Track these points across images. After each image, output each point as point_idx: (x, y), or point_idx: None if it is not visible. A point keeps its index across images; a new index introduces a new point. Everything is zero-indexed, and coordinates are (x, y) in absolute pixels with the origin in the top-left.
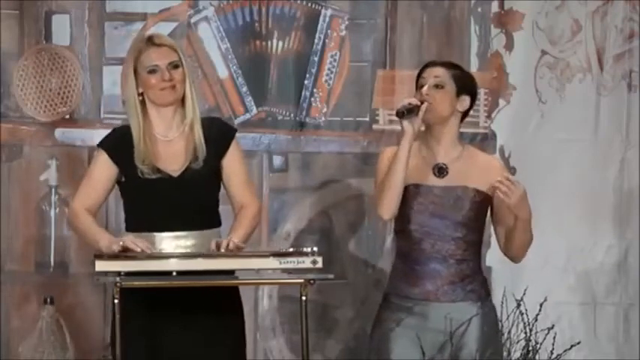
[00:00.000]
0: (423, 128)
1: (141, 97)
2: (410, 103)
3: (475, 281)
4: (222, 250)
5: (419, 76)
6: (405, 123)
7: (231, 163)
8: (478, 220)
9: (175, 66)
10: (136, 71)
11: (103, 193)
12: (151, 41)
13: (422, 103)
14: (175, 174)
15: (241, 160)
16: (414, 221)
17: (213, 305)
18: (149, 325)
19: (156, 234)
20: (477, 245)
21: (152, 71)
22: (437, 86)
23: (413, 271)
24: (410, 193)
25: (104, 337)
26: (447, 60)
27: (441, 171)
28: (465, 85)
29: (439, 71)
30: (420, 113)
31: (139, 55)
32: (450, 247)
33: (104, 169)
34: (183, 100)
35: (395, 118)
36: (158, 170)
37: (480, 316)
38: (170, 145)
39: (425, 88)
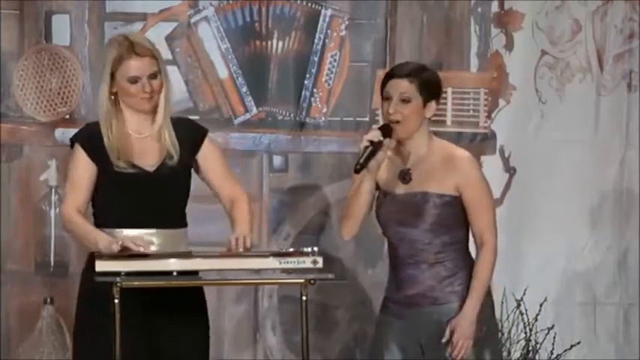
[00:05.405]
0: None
1: (113, 97)
2: (371, 142)
3: (456, 281)
4: (241, 249)
5: (383, 86)
6: (370, 164)
7: (208, 158)
8: (448, 221)
9: (154, 76)
10: (112, 73)
11: (88, 190)
12: (133, 50)
13: (386, 125)
14: (151, 169)
15: (219, 154)
16: (387, 229)
17: (184, 303)
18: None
19: (125, 230)
20: (455, 245)
21: (133, 81)
22: (403, 101)
23: (396, 276)
24: (380, 200)
25: None
26: (416, 63)
27: (405, 177)
28: (431, 91)
29: (404, 86)
30: (385, 148)
31: (119, 61)
32: (421, 252)
33: (84, 167)
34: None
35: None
36: (134, 165)
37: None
38: (144, 142)
39: (391, 105)
